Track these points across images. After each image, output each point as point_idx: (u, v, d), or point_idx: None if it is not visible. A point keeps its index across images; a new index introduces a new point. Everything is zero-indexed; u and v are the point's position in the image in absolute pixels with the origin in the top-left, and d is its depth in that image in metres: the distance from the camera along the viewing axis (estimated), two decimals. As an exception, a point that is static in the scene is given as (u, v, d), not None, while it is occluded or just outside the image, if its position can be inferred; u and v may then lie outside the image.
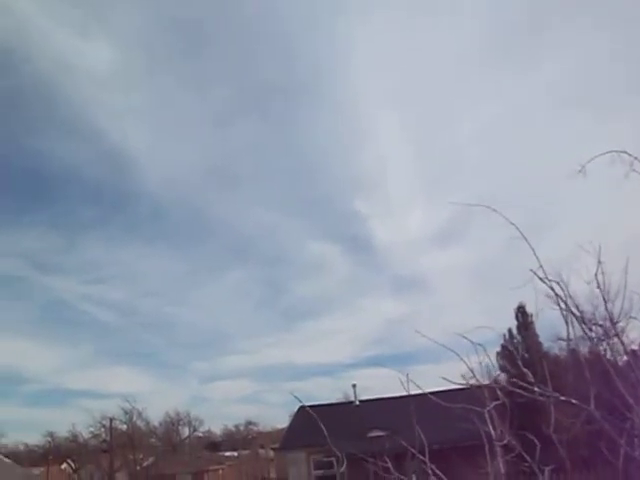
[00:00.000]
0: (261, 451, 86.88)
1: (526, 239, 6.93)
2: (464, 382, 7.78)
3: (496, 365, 29.01)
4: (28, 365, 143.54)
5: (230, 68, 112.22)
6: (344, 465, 7.65)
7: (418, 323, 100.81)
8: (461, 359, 7.21)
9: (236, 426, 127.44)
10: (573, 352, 26.26)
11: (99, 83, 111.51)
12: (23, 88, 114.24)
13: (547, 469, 6.87)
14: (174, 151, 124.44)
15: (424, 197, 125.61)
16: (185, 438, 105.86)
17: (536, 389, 6.82)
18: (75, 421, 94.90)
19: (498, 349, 38.46)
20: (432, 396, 7.90)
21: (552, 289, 6.86)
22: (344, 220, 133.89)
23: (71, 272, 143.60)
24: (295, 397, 7.94)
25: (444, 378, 7.73)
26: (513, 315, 40.40)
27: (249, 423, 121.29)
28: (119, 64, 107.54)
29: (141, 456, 77.46)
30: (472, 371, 7.33)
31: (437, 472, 7.02)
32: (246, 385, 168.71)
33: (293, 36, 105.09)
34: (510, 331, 40.17)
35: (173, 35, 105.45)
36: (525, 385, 6.93)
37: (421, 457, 7.17)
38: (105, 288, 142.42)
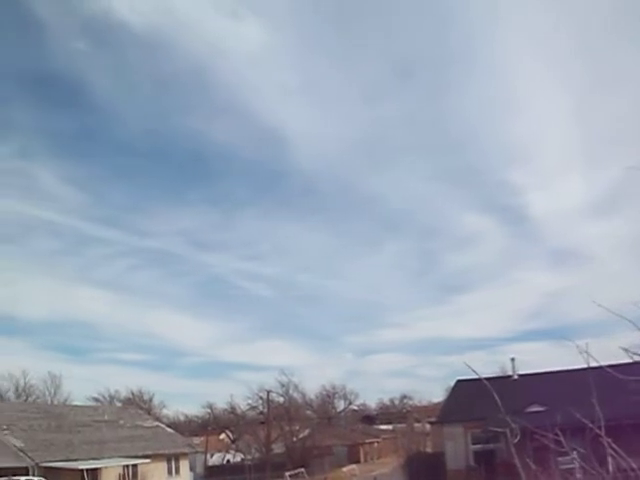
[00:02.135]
0: (417, 425, 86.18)
1: None
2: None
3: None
4: (188, 339, 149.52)
5: (379, 41, 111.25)
6: (517, 437, 6.87)
7: (578, 296, 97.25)
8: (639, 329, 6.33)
9: (391, 400, 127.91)
10: None
11: (251, 64, 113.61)
12: (179, 71, 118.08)
13: None
14: (325, 127, 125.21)
15: (583, 165, 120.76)
16: (340, 411, 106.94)
17: None
18: (233, 393, 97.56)
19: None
20: (610, 369, 7.03)
21: None
22: (499, 191, 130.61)
23: (227, 249, 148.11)
24: (469, 367, 7.20)
25: (624, 349, 6.95)
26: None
27: (404, 397, 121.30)
28: (269, 44, 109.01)
29: (297, 428, 78.58)
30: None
31: (614, 447, 6.18)
32: (401, 359, 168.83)
33: (444, 4, 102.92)
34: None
35: (321, 11, 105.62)
36: None
37: (597, 431, 6.33)
38: (261, 264, 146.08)
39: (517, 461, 6.60)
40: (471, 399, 38.65)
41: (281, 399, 79.84)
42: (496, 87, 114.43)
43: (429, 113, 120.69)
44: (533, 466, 7.60)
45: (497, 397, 7.06)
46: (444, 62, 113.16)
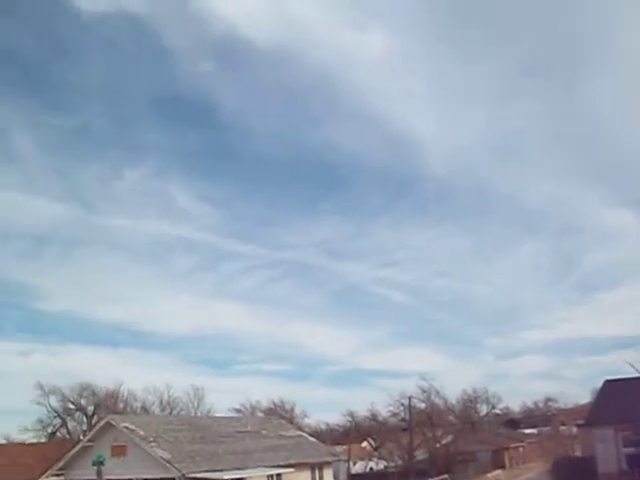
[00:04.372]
0: (562, 428, 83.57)
1: None
2: None
3: None
4: (327, 348, 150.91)
5: (507, 39, 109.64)
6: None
7: None
8: None
9: (535, 403, 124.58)
10: None
11: (377, 71, 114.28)
12: (307, 83, 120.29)
13: None
14: (456, 130, 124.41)
15: None
16: (483, 416, 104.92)
17: None
18: (374, 400, 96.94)
19: None
20: None
21: None
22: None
23: (363, 257, 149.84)
24: (632, 366, 6.69)
25: None
26: None
27: (548, 399, 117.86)
28: (394, 50, 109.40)
29: (439, 434, 77.53)
30: None
31: None
32: (543, 360, 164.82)
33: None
34: None
35: (444, 15, 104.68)
36: None
37: None
38: (396, 271, 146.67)
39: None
40: (621, 400, 37.03)
41: (423, 405, 78.93)
42: (633, 76, 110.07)
43: (562, 108, 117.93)
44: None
45: (632, 400, 6.53)
46: (578, 55, 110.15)
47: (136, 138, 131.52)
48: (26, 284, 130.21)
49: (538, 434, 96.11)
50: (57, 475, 43.95)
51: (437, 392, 79.71)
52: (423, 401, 78.64)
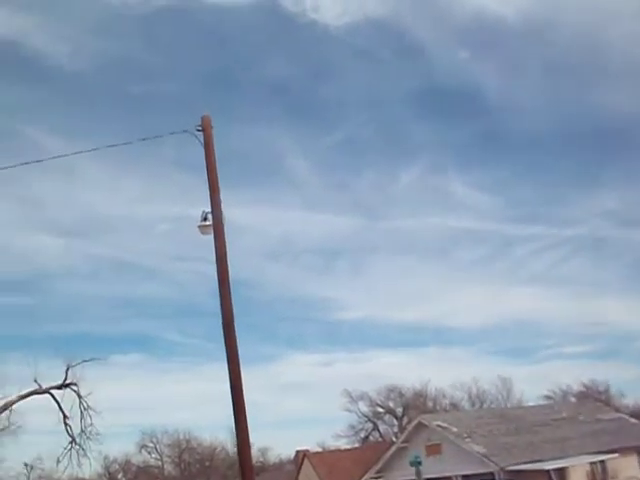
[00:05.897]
0: None
1: None
2: None
3: None
4: (636, 322, 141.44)
5: None
6: None
7: None
8: None
9: None
10: None
11: None
12: (565, 50, 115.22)
13: None
14: None
15: None
16: None
17: None
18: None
19: None
20: None
21: None
22: None
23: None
24: None
25: None
26: None
27: None
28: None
29: None
30: None
31: None
32: None
33: None
34: None
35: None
36: None
37: None
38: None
39: None
40: None
41: None
42: None
43: None
44: None
45: None
46: None
47: (404, 139, 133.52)
48: (323, 297, 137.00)
49: None
50: (375, 478, 45.06)
51: None
52: None
